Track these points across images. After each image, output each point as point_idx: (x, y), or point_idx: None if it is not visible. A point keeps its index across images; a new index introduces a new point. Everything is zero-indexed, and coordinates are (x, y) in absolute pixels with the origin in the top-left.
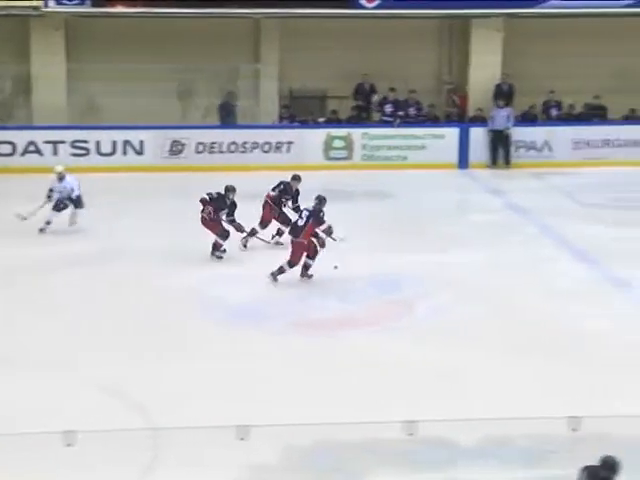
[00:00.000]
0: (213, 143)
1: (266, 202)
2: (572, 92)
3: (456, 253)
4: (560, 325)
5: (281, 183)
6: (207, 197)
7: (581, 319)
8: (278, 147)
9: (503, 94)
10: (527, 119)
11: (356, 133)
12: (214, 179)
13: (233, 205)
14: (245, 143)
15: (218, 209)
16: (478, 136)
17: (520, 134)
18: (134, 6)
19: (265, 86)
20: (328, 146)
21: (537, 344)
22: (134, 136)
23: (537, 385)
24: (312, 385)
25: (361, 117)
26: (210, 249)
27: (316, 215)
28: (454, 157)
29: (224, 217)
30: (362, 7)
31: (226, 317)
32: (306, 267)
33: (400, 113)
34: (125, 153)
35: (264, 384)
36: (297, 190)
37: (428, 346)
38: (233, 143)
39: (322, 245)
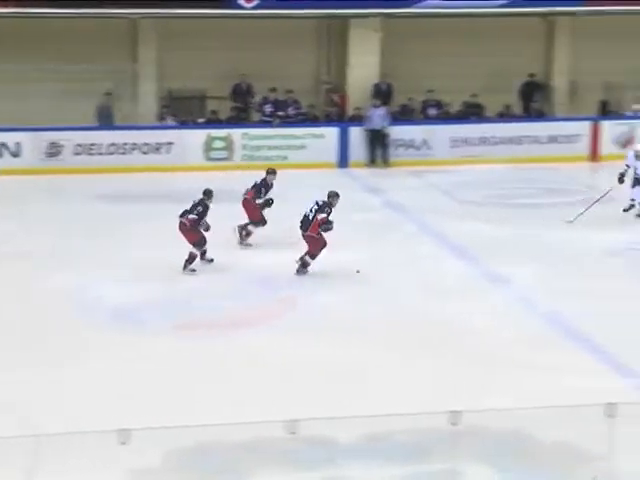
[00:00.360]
0: (92, 144)
1: (247, 201)
2: (450, 91)
3: (337, 252)
4: (439, 322)
5: (256, 182)
6: (196, 216)
7: (460, 315)
8: (158, 148)
9: (382, 93)
10: (406, 113)
11: (236, 133)
12: (93, 181)
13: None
14: (125, 144)
15: (202, 217)
16: (357, 136)
17: (399, 133)
18: (6, 6)
19: (144, 86)
20: (208, 147)
21: (417, 341)
22: (10, 138)
23: (417, 381)
24: (194, 386)
25: (241, 117)
26: (192, 257)
27: (321, 208)
28: (334, 156)
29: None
30: (240, 7)
31: (107, 319)
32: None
33: (280, 113)
34: (1, 155)
35: (145, 386)
36: (271, 184)
37: (312, 345)
38: (112, 144)
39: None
